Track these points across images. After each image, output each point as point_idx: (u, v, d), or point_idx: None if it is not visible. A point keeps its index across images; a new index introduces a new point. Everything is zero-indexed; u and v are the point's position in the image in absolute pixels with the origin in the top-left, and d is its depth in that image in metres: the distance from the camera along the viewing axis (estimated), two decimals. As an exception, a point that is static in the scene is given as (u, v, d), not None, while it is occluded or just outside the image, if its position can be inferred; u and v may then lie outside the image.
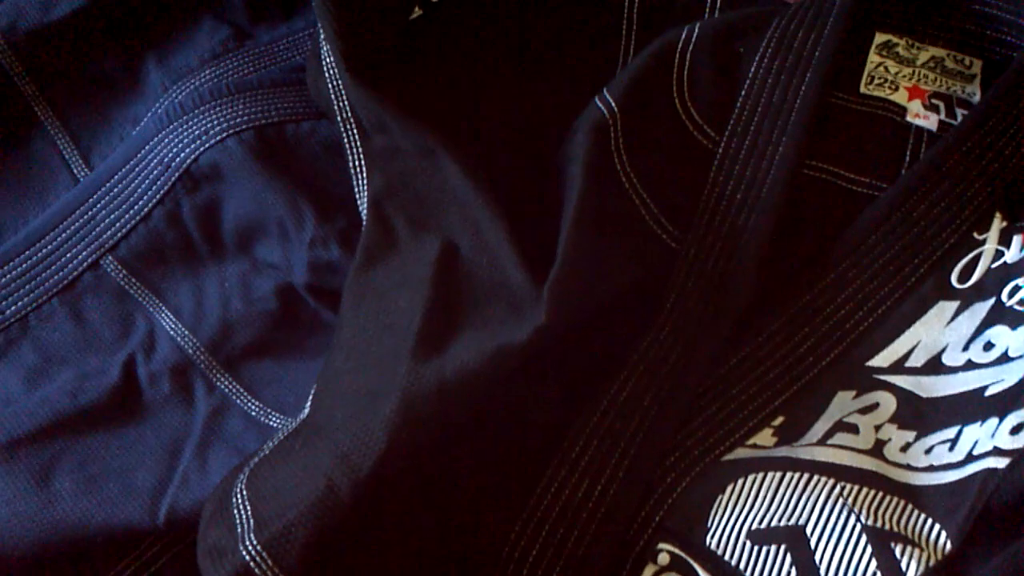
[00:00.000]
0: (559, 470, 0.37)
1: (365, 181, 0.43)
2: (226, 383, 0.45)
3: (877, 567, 0.34)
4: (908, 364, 0.40)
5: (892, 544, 0.34)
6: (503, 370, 0.36)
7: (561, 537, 0.36)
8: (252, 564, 0.33)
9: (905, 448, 0.38)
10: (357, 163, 0.43)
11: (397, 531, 0.35)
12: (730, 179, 0.41)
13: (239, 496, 0.36)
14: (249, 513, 0.35)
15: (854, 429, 0.38)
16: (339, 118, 0.43)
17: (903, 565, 0.34)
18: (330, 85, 0.43)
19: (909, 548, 0.34)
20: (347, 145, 0.43)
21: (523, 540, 0.36)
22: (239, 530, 0.34)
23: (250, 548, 0.34)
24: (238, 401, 0.45)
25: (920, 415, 0.39)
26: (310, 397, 0.40)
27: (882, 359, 0.40)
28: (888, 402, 0.39)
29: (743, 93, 0.43)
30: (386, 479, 0.34)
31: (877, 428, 0.38)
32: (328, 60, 0.43)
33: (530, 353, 0.36)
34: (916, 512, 0.36)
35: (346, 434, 0.35)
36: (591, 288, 0.37)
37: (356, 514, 0.34)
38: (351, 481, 0.34)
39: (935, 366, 0.40)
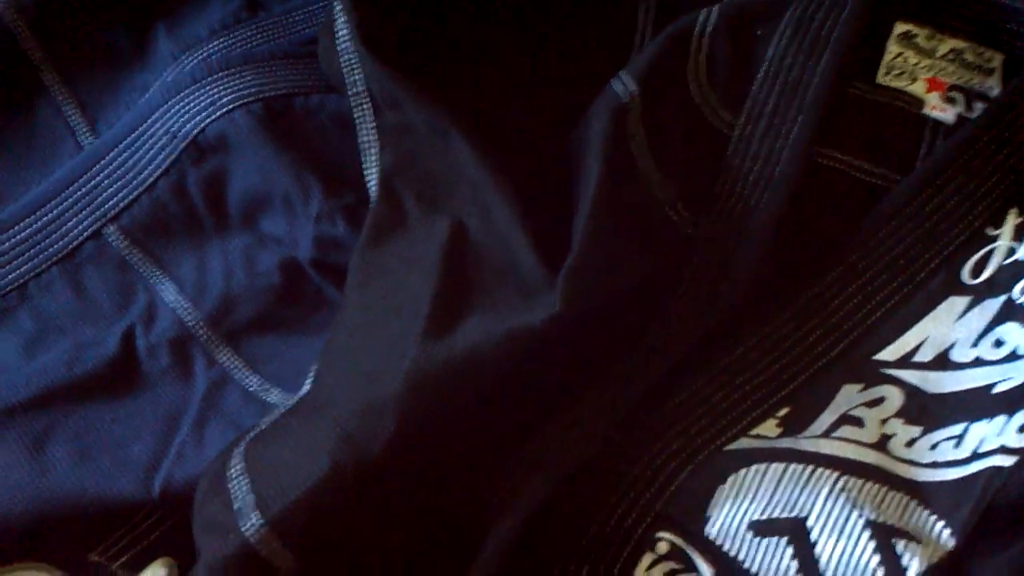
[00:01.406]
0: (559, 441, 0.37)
1: (375, 157, 0.42)
2: (226, 357, 0.45)
3: (879, 563, 0.34)
4: (916, 359, 0.39)
5: (894, 540, 0.34)
6: (513, 353, 0.35)
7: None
8: (256, 543, 0.33)
9: (910, 443, 0.37)
10: (368, 138, 0.42)
11: (399, 510, 0.35)
12: (745, 160, 0.41)
13: (236, 470, 0.36)
14: (247, 488, 0.35)
15: (859, 423, 0.38)
16: (351, 92, 0.42)
17: (904, 561, 0.33)
18: (343, 58, 0.42)
19: (912, 544, 0.34)
20: (358, 120, 0.42)
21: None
22: (237, 506, 0.34)
23: (254, 527, 0.33)
24: (237, 376, 0.44)
25: (926, 411, 0.38)
26: (311, 374, 0.39)
27: (889, 353, 0.40)
28: (894, 396, 0.39)
29: (760, 76, 0.43)
30: (392, 459, 0.34)
31: (883, 422, 0.38)
32: (342, 33, 0.42)
33: (542, 337, 0.35)
34: (920, 508, 0.35)
35: (351, 413, 0.35)
36: (607, 277, 0.37)
37: (361, 494, 0.33)
38: (356, 461, 0.34)
39: (943, 362, 0.39)
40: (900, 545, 0.34)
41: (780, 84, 0.42)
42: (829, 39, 0.43)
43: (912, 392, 0.38)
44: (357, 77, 0.42)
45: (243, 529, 0.33)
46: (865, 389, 0.39)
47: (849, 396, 0.39)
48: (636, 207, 0.40)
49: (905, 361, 0.39)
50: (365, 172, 0.42)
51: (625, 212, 0.39)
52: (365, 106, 0.43)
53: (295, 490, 0.34)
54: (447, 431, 0.35)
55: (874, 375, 0.39)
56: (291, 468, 0.34)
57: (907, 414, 0.38)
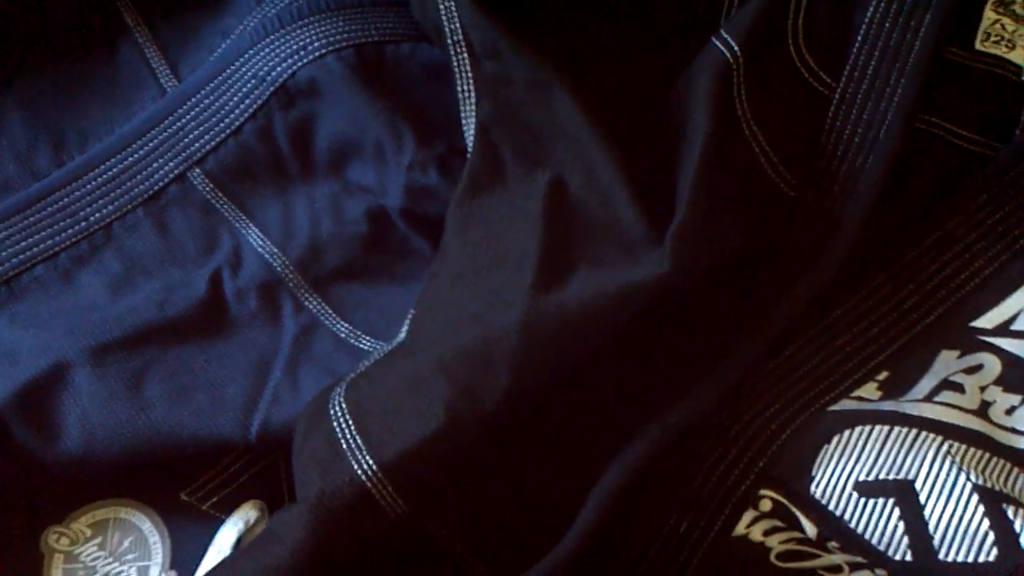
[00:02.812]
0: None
1: (473, 107, 0.42)
2: (314, 303, 0.45)
3: (990, 526, 0.34)
4: (1014, 327, 0.39)
5: (1004, 505, 0.34)
6: (624, 310, 0.35)
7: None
8: (371, 487, 0.33)
9: (1010, 411, 0.37)
10: (465, 88, 0.42)
11: (510, 466, 0.35)
12: (847, 124, 0.41)
13: (338, 410, 0.36)
14: (353, 430, 0.35)
15: (960, 388, 0.38)
16: (449, 40, 0.42)
17: (1016, 526, 0.34)
18: (441, 6, 0.42)
19: (1021, 510, 0.34)
20: (456, 70, 0.42)
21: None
22: (344, 445, 0.34)
23: (368, 470, 0.33)
24: (327, 322, 0.44)
25: (1026, 380, 0.38)
26: (407, 321, 0.39)
27: (987, 320, 0.39)
28: (993, 364, 0.39)
29: (859, 38, 0.42)
30: (506, 413, 0.34)
31: (982, 389, 0.38)
32: (441, -20, 0.42)
33: (652, 296, 0.35)
34: (1023, 476, 0.35)
35: (461, 363, 0.35)
36: (716, 237, 0.37)
37: (475, 446, 0.33)
38: (472, 413, 0.34)
39: (1042, 331, 0.39)
40: (1010, 510, 0.34)
41: (880, 48, 0.42)
42: (930, 3, 0.42)
43: (1011, 361, 0.38)
44: (455, 25, 0.42)
45: (357, 470, 0.33)
46: (962, 356, 0.39)
47: (947, 362, 0.39)
48: (742, 169, 0.39)
49: (1003, 329, 0.39)
50: (463, 122, 0.42)
51: (732, 173, 0.39)
52: (463, 56, 0.42)
53: (409, 437, 0.34)
54: (559, 387, 0.35)
55: (971, 342, 0.39)
56: (402, 414, 0.34)
57: (1006, 382, 0.38)
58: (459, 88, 0.42)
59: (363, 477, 0.33)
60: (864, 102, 0.41)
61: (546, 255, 0.37)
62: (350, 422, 0.35)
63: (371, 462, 0.33)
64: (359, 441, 0.34)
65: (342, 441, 0.34)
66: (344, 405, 0.36)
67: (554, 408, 0.36)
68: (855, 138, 0.40)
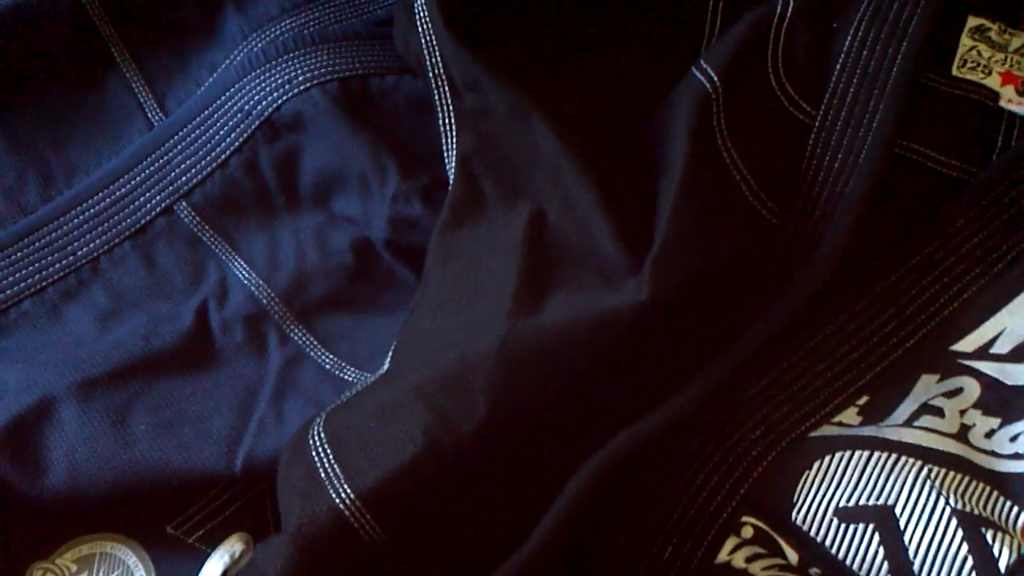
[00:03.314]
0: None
1: (454, 139, 0.42)
2: (300, 335, 0.45)
3: (968, 551, 0.34)
4: (993, 351, 0.39)
5: (983, 529, 0.34)
6: (601, 337, 0.36)
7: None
8: (350, 516, 0.33)
9: (989, 435, 0.38)
10: (447, 120, 0.42)
11: (489, 492, 0.35)
12: (827, 150, 0.41)
13: (316, 438, 0.36)
14: (331, 459, 0.35)
15: (940, 412, 0.38)
16: (430, 74, 0.42)
17: (995, 551, 0.34)
18: (422, 40, 0.42)
19: (1000, 534, 0.34)
20: (437, 102, 0.42)
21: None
22: (323, 475, 0.34)
23: (346, 498, 0.33)
24: (312, 353, 0.44)
25: (1005, 403, 0.38)
26: (390, 353, 0.40)
27: (966, 344, 0.40)
28: (972, 388, 0.39)
29: (838, 66, 0.43)
30: (483, 440, 0.34)
31: (962, 413, 0.38)
32: (422, 14, 0.42)
33: (630, 324, 0.36)
34: (1002, 499, 0.36)
35: (439, 390, 0.35)
36: (694, 265, 0.37)
37: (458, 473, 0.34)
38: (454, 440, 0.34)
39: (1021, 354, 0.39)
40: (989, 535, 0.34)
41: (859, 75, 0.43)
42: (907, 31, 0.43)
43: (990, 384, 0.39)
44: (436, 59, 0.43)
45: (335, 499, 0.34)
46: (943, 380, 0.39)
47: (928, 386, 0.39)
48: (722, 197, 0.40)
49: (982, 352, 0.39)
50: (445, 154, 0.43)
51: (711, 201, 0.39)
52: (444, 88, 0.43)
53: (386, 464, 0.34)
54: (538, 413, 0.35)
55: (951, 366, 0.39)
56: (379, 441, 0.35)
57: (985, 405, 0.38)
58: (441, 120, 0.42)
59: (341, 506, 0.33)
60: (844, 128, 0.42)
61: (524, 283, 0.37)
62: (328, 451, 0.35)
63: (349, 491, 0.34)
64: (337, 470, 0.34)
65: (320, 471, 0.35)
66: (323, 435, 0.36)
67: (533, 434, 0.36)
68: (835, 164, 0.41)
